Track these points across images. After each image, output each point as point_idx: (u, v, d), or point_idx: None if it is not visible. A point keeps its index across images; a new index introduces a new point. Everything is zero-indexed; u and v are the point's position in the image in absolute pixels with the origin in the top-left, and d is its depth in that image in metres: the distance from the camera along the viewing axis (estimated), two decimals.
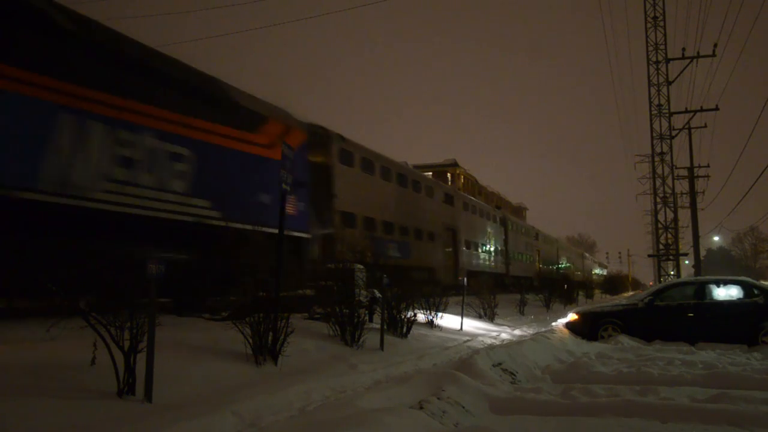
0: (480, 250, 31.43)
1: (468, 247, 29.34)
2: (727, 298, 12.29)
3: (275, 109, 13.28)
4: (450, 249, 26.43)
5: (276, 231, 8.02)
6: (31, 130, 7.63)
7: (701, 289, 12.50)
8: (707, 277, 14.59)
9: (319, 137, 16.11)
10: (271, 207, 11.62)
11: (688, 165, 31.11)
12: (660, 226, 31.01)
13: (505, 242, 35.82)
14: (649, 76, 30.10)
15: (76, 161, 8.13)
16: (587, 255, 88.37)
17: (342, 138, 17.90)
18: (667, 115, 30.10)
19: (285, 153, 7.63)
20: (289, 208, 11.98)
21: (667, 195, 30.77)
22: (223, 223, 9.92)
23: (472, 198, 33.18)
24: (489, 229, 33.06)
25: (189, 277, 8.87)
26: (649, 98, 30.00)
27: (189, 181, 10.10)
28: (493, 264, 33.02)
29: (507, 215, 37.97)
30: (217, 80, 11.61)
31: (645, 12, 30.42)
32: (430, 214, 24.69)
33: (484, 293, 17.43)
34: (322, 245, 14.71)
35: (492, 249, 33.48)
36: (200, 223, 10.10)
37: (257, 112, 12.54)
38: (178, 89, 10.37)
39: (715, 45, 28.48)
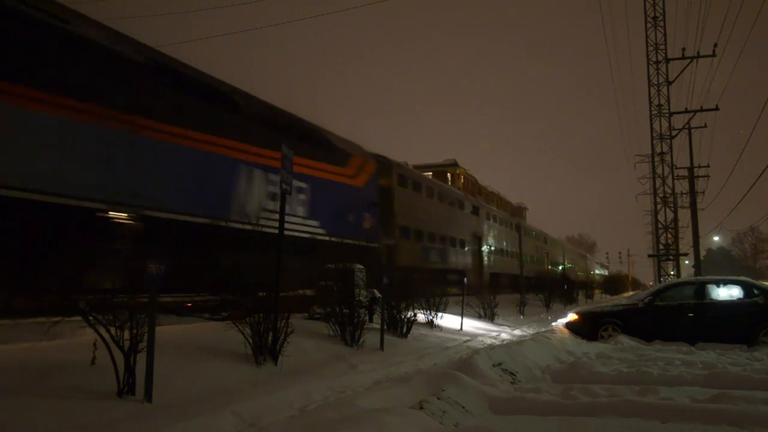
0: (500, 255, 34.87)
1: (490, 252, 33.10)
2: (727, 298, 12.28)
3: (356, 146, 17.34)
4: (476, 254, 30.21)
5: (357, 242, 11.48)
6: (224, 178, 11.36)
7: (701, 289, 12.50)
8: (707, 277, 14.58)
9: (383, 165, 19.65)
10: (354, 223, 15.61)
11: (688, 165, 31.08)
12: (660, 226, 31.00)
13: (520, 246, 39.90)
14: (649, 76, 30.11)
15: (248, 197, 11.86)
16: (588, 256, 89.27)
17: (399, 165, 22.22)
18: (667, 115, 30.09)
19: (285, 153, 7.63)
20: (366, 224, 16.50)
21: (667, 195, 30.76)
22: (327, 238, 12.76)
23: (494, 208, 37.76)
24: (507, 235, 37.16)
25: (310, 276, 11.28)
26: (649, 98, 30.00)
27: (307, 207, 13.74)
28: (509, 266, 36.14)
29: (521, 222, 41.76)
30: (319, 128, 15.52)
31: (645, 12, 30.42)
32: (461, 225, 28.48)
33: (484, 293, 17.43)
34: (387, 253, 18.26)
35: (509, 253, 37.17)
36: (313, 238, 13.30)
37: (345, 150, 16.27)
38: (301, 138, 13.89)
39: (715, 45, 28.56)
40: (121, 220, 6.93)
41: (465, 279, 16.26)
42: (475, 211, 31.44)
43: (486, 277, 30.45)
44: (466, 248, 28.88)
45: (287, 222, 10.42)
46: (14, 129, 7.74)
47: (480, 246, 31.05)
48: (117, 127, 9.07)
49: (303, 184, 13.67)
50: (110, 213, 6.74)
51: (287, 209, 11.18)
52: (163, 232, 9.50)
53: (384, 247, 18.16)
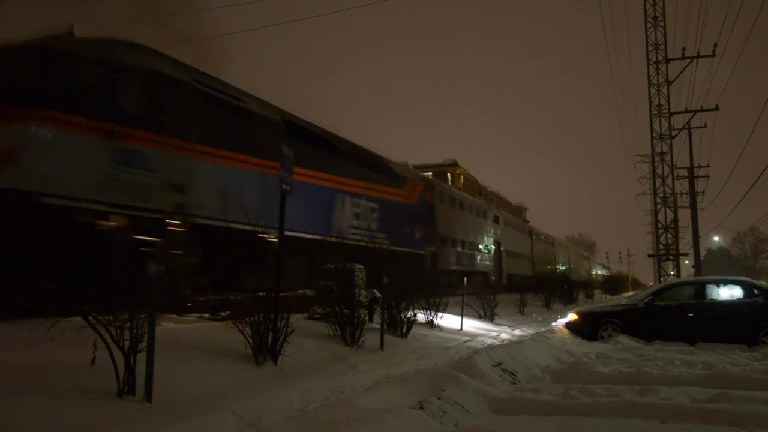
0: (515, 257, 38.75)
1: (507, 255, 36.86)
2: (727, 298, 12.28)
3: (410, 170, 22.89)
4: (497, 257, 34.08)
5: (411, 250, 16.52)
6: (326, 205, 15.04)
7: (701, 289, 12.49)
8: (707, 277, 14.56)
9: (428, 185, 24.02)
10: (408, 234, 19.49)
11: (688, 165, 31.05)
12: (660, 226, 30.98)
13: (531, 249, 43.64)
14: (649, 76, 30.08)
15: (342, 218, 15.64)
16: (591, 257, 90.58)
17: (439, 183, 27.33)
18: (667, 115, 30.07)
19: (285, 153, 7.63)
20: (417, 234, 20.44)
21: (667, 195, 30.74)
22: (392, 249, 15.00)
23: (511, 216, 41.93)
24: (521, 240, 41.36)
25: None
26: (649, 98, 29.98)
27: (377, 223, 17.38)
28: (523, 267, 39.98)
29: (533, 227, 45.94)
30: (385, 159, 19.87)
31: (645, 12, 30.39)
32: (485, 232, 32.42)
33: (485, 293, 17.43)
34: (430, 258, 22.13)
35: (523, 256, 41.30)
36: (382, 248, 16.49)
37: (402, 175, 20.42)
38: (374, 169, 18.07)
39: (715, 45, 28.44)
40: (271, 239, 8.99)
41: (465, 279, 16.26)
42: (496, 219, 35.51)
43: (505, 277, 34.76)
44: (489, 252, 32.77)
45: (364, 235, 15.17)
46: (223, 180, 11.37)
47: (499, 250, 34.76)
48: (270, 171, 12.19)
49: (374, 205, 17.53)
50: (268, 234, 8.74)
51: (365, 226, 16.49)
52: (293, 246, 11.07)
53: (429, 254, 22.00)
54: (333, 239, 13.03)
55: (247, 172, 12.08)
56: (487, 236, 32.60)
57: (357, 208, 16.42)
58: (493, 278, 31.74)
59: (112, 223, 8.98)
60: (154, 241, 9.04)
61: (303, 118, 15.27)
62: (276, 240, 7.90)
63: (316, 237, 13.73)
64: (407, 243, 19.08)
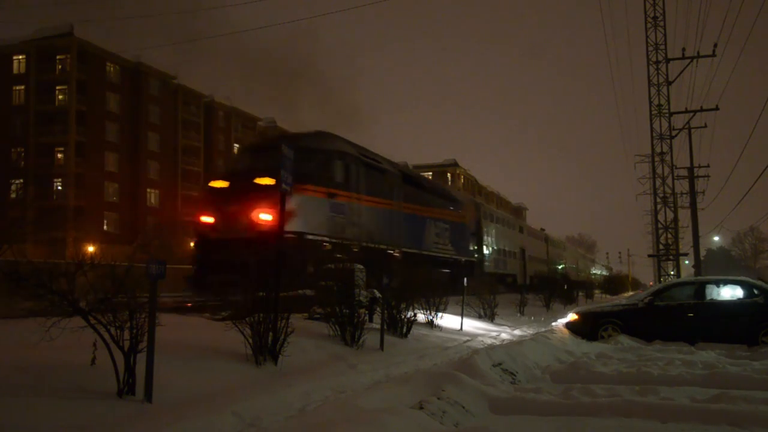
0: (534, 261, 45.07)
1: (530, 260, 42.67)
2: (727, 298, 12.27)
3: (467, 197, 31.54)
4: (521, 261, 40.05)
5: (467, 258, 25.06)
6: (422, 229, 20.66)
7: (701, 289, 12.48)
8: (707, 277, 14.55)
9: (476, 206, 30.87)
10: (465, 247, 25.60)
11: (688, 165, 31.05)
12: (660, 226, 30.97)
13: (547, 254, 50.07)
14: (649, 76, 30.05)
15: (429, 237, 21.05)
16: (595, 259, 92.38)
17: (484, 205, 35.55)
18: (667, 115, 30.05)
19: (285, 153, 7.63)
20: (470, 246, 26.94)
21: (667, 195, 30.73)
22: (456, 258, 23.10)
23: (531, 226, 49.67)
24: (539, 246, 48.12)
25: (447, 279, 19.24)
26: (649, 98, 29.95)
27: (448, 239, 23.04)
28: (541, 270, 45.12)
29: (548, 235, 53.38)
30: (450, 190, 28.65)
31: (645, 12, 30.36)
32: (514, 241, 38.31)
33: (485, 293, 17.42)
34: (478, 264, 27.70)
35: (541, 259, 47.73)
36: (450, 258, 22.90)
37: (460, 200, 27.14)
38: (444, 198, 24.47)
39: (715, 45, 28.40)
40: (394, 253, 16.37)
41: (465, 279, 16.26)
42: (521, 230, 42.37)
43: (528, 278, 39.82)
44: (516, 258, 38.55)
45: (442, 248, 22.27)
46: (373, 216, 16.61)
47: (523, 255, 40.49)
48: (392, 208, 18.34)
49: (446, 226, 23.14)
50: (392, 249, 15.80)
51: (441, 241, 22.34)
52: (410, 259, 17.57)
53: (477, 261, 27.75)
54: (425, 252, 20.02)
55: (382, 210, 17.56)
56: (515, 244, 38.75)
57: (437, 229, 22.20)
58: (519, 279, 37.10)
59: (327, 246, 13.53)
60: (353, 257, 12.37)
61: (411, 169, 25.09)
62: (394, 251, 14.91)
63: (418, 252, 19.54)
64: (465, 253, 25.59)
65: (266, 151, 14.46)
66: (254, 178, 12.81)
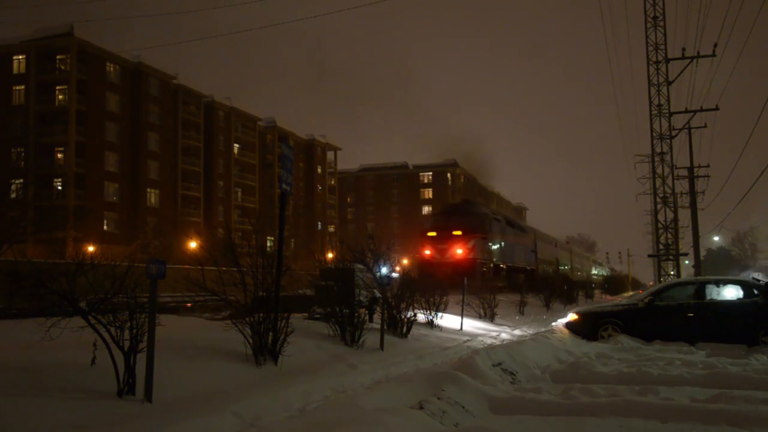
0: (560, 267, 54.09)
1: (560, 266, 53.33)
2: (727, 298, 12.27)
3: (529, 226, 43.69)
4: (555, 267, 48.64)
5: (531, 267, 36.45)
6: (516, 250, 33.70)
7: (701, 289, 12.47)
8: (707, 277, 14.53)
9: (534, 232, 40.76)
10: (528, 259, 36.06)
11: (688, 165, 31.03)
12: (660, 226, 30.97)
13: (556, 256, 58.17)
14: (649, 76, 30.04)
15: (518, 255, 33.81)
16: (598, 260, 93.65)
17: (536, 230, 43.11)
18: (667, 115, 30.03)
19: (285, 153, 7.63)
20: (532, 258, 37.82)
21: (667, 195, 30.73)
22: (528, 267, 34.97)
23: (552, 236, 56.74)
24: (551, 249, 55.59)
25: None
26: (649, 98, 29.94)
27: (524, 255, 34.86)
28: (564, 272, 54.73)
29: (557, 240, 60.66)
30: (521, 222, 50.11)
31: (645, 12, 30.35)
32: (552, 253, 47.70)
33: (485, 293, 17.42)
34: (535, 271, 36.05)
35: (551, 260, 55.51)
36: (526, 268, 34.32)
37: (526, 228, 39.29)
38: (521, 229, 37.08)
39: (715, 45, 28.34)
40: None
41: (465, 279, 16.26)
42: (557, 245, 52.36)
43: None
44: (552, 264, 46.76)
45: (523, 261, 34.87)
46: (513, 250, 32.16)
47: (558, 263, 48.75)
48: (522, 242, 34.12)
49: (523, 247, 34.09)
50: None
51: (523, 257, 35.22)
52: (514, 270, 31.46)
53: (536, 269, 36.72)
54: (518, 265, 32.12)
55: (504, 242, 29.47)
56: (552, 255, 48.14)
57: (521, 250, 33.78)
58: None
59: (489, 265, 26.54)
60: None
61: (510, 215, 41.52)
62: (511, 265, 28.61)
63: (512, 265, 31.02)
64: (530, 263, 36.00)
65: (453, 214, 28.53)
66: (451, 231, 25.69)
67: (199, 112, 62.50)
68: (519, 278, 30.20)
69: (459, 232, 25.49)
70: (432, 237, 26.33)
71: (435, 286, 13.77)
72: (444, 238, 25.68)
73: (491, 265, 27.39)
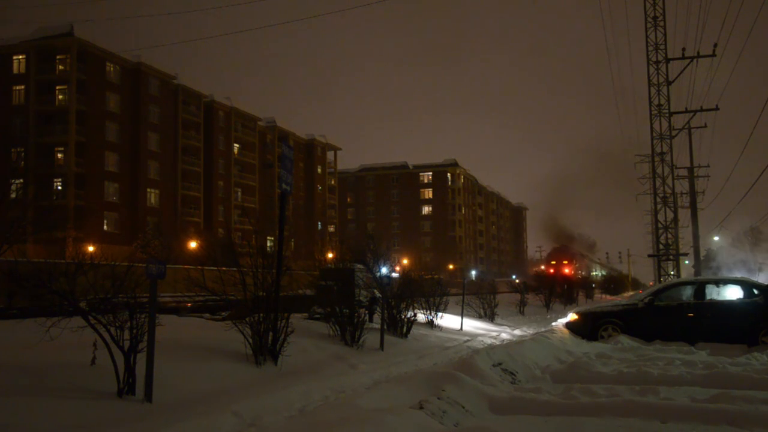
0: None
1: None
2: (727, 298, 12.26)
3: (577, 251, 68.06)
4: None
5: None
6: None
7: (701, 289, 12.47)
8: (707, 277, 14.53)
9: (568, 249, 62.28)
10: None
11: (688, 165, 31.02)
12: (660, 226, 30.96)
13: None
14: (649, 76, 30.00)
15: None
16: (600, 260, 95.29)
17: (569, 247, 63.46)
18: (667, 115, 30.00)
19: (285, 153, 7.63)
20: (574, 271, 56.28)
21: (667, 195, 30.71)
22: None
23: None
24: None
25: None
26: (649, 98, 29.90)
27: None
28: None
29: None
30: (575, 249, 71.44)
31: (645, 12, 30.32)
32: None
33: (485, 293, 17.42)
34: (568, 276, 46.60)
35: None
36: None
37: (574, 254, 62.23)
38: (574, 256, 62.49)
39: (715, 45, 28.33)
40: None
41: (464, 279, 16.25)
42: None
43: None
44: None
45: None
46: None
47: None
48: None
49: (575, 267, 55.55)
50: None
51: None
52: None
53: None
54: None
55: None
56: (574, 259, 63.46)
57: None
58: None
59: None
60: None
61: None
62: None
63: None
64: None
65: (559, 251, 58.39)
66: (562, 261, 53.74)
67: (199, 112, 62.48)
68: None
69: (565, 261, 52.48)
70: (550, 264, 51.68)
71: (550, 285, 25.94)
72: (557, 264, 50.68)
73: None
